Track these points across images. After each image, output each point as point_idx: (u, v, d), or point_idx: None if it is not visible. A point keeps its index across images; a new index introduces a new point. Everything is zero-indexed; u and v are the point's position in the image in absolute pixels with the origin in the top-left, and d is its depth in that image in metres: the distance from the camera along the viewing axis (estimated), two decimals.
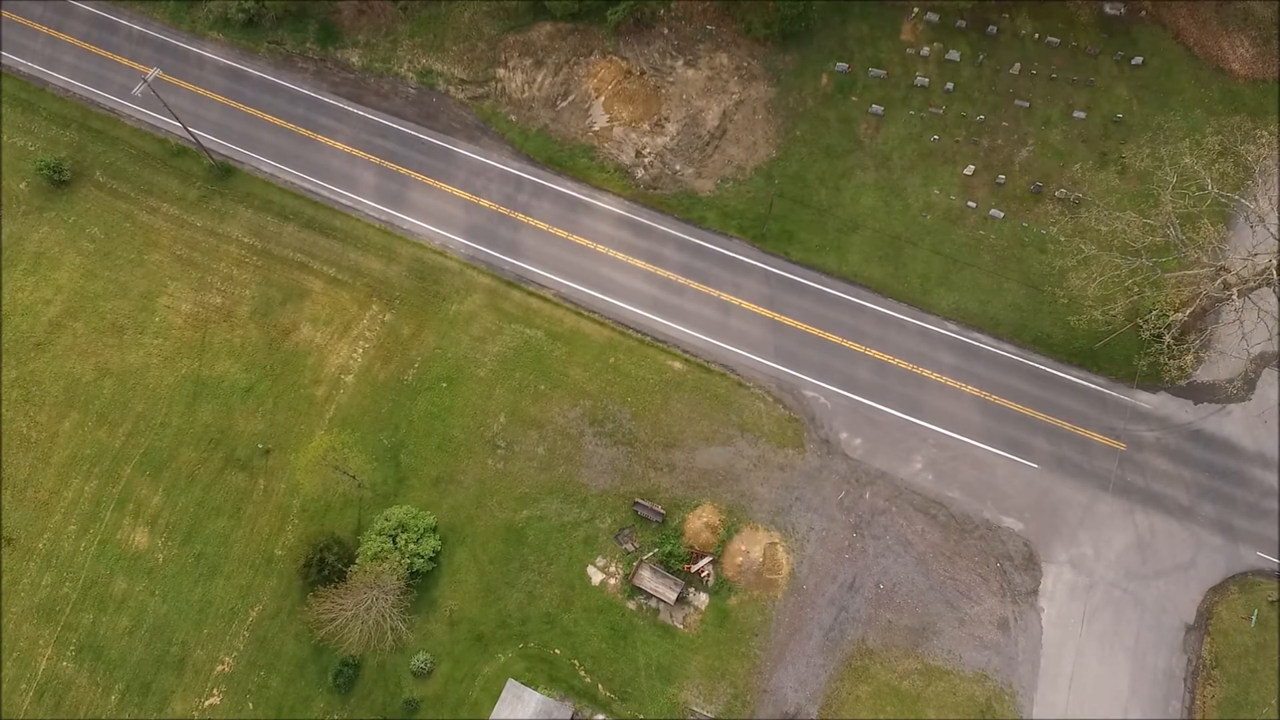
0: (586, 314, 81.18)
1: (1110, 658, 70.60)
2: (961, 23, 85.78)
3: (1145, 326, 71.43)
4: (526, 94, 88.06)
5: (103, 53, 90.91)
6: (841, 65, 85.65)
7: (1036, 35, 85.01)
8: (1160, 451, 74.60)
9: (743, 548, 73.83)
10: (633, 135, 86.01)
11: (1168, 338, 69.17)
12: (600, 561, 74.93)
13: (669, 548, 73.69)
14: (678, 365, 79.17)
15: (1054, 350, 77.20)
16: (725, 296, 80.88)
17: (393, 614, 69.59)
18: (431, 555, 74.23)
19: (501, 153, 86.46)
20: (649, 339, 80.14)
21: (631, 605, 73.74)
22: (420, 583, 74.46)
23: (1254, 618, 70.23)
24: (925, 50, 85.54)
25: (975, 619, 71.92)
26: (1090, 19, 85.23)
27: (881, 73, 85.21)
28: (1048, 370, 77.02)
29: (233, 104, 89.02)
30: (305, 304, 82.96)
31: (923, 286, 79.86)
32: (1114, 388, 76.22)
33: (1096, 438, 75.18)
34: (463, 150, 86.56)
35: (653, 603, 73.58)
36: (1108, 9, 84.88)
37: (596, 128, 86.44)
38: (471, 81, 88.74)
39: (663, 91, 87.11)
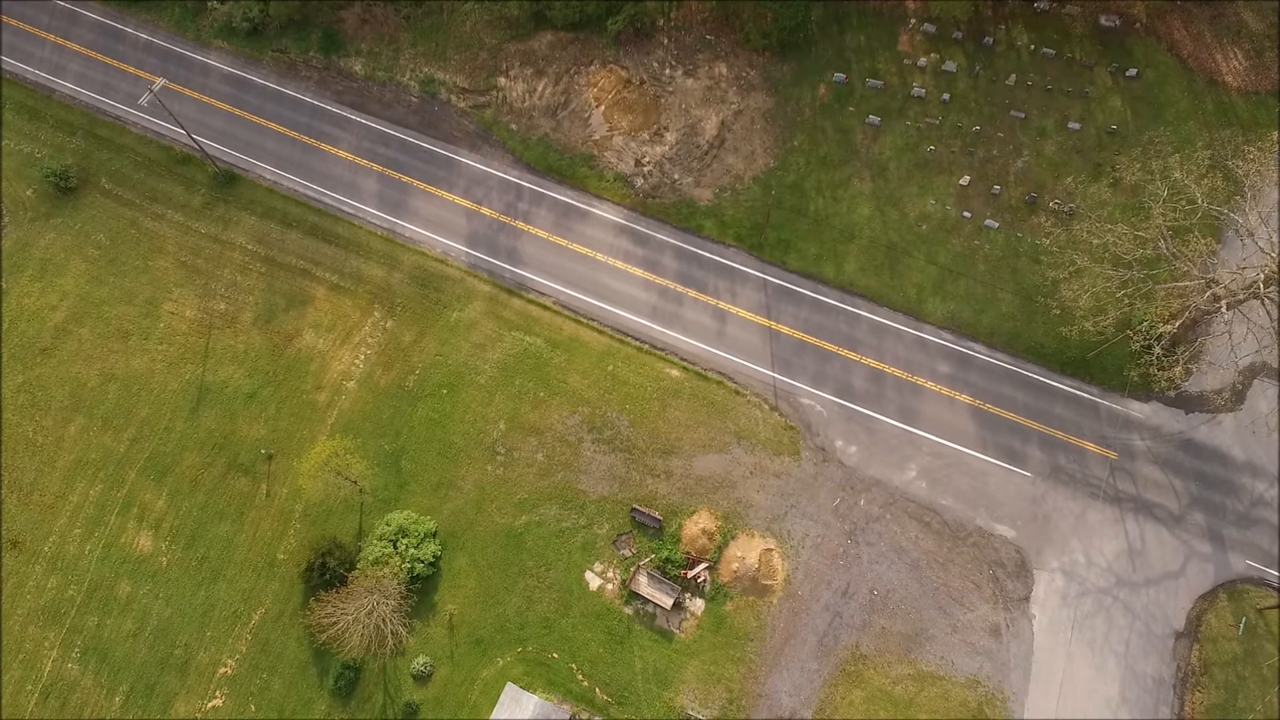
0: (585, 321, 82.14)
1: (1101, 664, 71.57)
2: (958, 34, 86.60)
3: (1136, 338, 72.31)
4: (527, 103, 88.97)
5: (109, 60, 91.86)
6: (839, 75, 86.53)
7: (1032, 47, 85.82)
8: (1151, 460, 75.53)
9: (739, 554, 74.79)
10: (632, 144, 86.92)
11: (1157, 349, 70.15)
12: (598, 567, 75.94)
13: (666, 554, 74.70)
14: (675, 373, 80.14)
15: (1047, 360, 78.13)
16: (723, 305, 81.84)
17: (393, 618, 70.61)
18: (432, 560, 75.34)
19: (502, 161, 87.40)
20: (647, 346, 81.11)
21: (629, 610, 74.76)
22: (420, 587, 75.54)
23: (1241, 626, 71.18)
24: (922, 61, 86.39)
25: (968, 625, 72.89)
26: (1085, 31, 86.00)
27: (879, 83, 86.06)
28: (1041, 379, 77.94)
29: (237, 111, 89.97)
30: (308, 310, 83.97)
31: (918, 296, 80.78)
32: (1106, 397, 77.14)
33: (1089, 447, 76.12)
34: (464, 158, 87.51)
35: (650, 608, 74.60)
36: (1103, 21, 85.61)
37: (596, 136, 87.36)
38: (473, 90, 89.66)
39: (662, 101, 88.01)
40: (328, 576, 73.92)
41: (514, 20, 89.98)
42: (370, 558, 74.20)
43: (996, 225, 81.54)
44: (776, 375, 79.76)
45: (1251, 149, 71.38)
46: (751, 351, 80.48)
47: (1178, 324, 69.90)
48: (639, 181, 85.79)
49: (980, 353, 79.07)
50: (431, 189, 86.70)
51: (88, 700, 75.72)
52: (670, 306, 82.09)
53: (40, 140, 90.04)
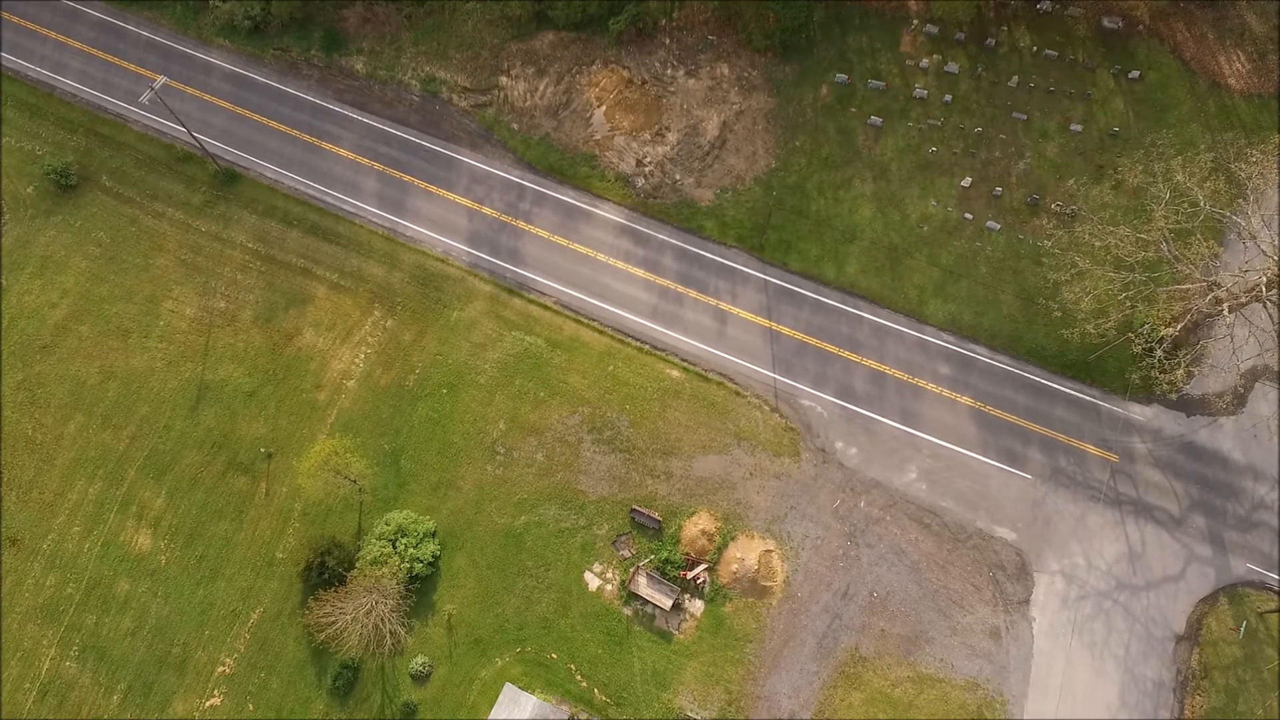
0: (586, 321, 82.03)
1: (1100, 667, 71.41)
2: (960, 35, 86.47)
3: (1137, 340, 72.17)
4: (529, 102, 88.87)
5: (110, 58, 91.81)
6: (841, 76, 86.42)
7: (1035, 48, 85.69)
8: (1152, 463, 75.37)
9: (738, 555, 74.67)
10: (633, 144, 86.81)
11: (1159, 352, 69.98)
12: (597, 568, 75.82)
13: (665, 555, 74.55)
14: (676, 373, 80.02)
15: (1048, 362, 77.98)
16: (724, 305, 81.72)
17: (392, 618, 70.43)
18: (431, 560, 75.22)
19: (503, 160, 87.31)
20: (648, 347, 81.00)
21: (628, 611, 74.64)
22: (419, 587, 75.40)
23: (1242, 629, 71.04)
24: (924, 62, 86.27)
25: (967, 628, 72.74)
26: (1088, 32, 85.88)
27: (880, 84, 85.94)
28: (1042, 382, 77.80)
29: (238, 110, 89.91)
30: (308, 309, 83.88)
31: (919, 297, 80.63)
32: (1107, 400, 77.00)
33: (1089, 449, 75.98)
34: (465, 158, 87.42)
35: (649, 609, 74.48)
36: (1106, 23, 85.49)
37: (598, 136, 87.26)
38: (474, 89, 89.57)
39: (664, 101, 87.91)
40: (326, 576, 73.83)
41: (516, 20, 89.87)
42: (369, 557, 74.08)
43: (998, 227, 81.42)
44: (777, 376, 79.65)
45: (1254, 152, 71.22)
46: (752, 353, 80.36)
47: (1179, 327, 69.70)
48: (640, 182, 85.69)
49: (981, 355, 78.93)
50: (432, 188, 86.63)
51: (85, 698, 75.61)
52: (671, 307, 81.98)
53: (41, 138, 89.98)
